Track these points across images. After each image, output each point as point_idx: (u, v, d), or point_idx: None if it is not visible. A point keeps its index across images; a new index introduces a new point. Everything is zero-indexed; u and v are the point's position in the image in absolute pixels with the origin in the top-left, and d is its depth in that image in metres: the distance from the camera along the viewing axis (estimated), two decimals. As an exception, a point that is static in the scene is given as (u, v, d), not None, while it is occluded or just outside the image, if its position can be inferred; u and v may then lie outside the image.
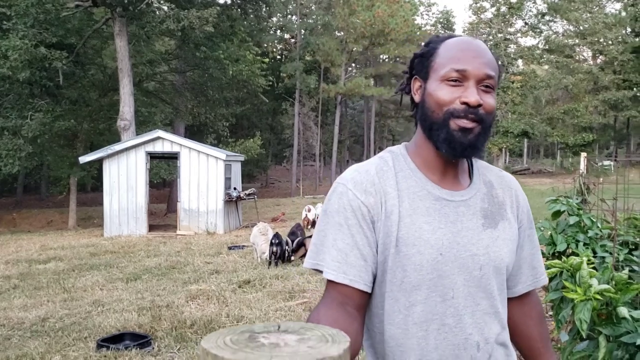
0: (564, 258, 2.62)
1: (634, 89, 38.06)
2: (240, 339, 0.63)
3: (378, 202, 1.19)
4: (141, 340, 5.13)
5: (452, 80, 1.16)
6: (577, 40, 41.55)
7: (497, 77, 1.21)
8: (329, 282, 1.17)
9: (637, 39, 39.15)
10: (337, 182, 1.24)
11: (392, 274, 1.18)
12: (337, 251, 1.16)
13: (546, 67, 44.10)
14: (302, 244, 9.07)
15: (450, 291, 1.18)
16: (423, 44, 1.29)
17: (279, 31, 41.88)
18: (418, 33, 40.16)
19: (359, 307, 1.16)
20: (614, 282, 2.47)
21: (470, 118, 1.15)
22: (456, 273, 1.18)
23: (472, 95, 1.14)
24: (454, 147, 1.17)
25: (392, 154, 1.28)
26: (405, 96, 1.38)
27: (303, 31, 37.40)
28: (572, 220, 3.40)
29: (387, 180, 1.22)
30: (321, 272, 1.18)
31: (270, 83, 29.17)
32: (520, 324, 1.37)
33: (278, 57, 42.83)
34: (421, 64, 1.24)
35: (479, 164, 1.32)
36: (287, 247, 8.97)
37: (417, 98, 1.26)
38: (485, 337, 1.20)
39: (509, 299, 1.33)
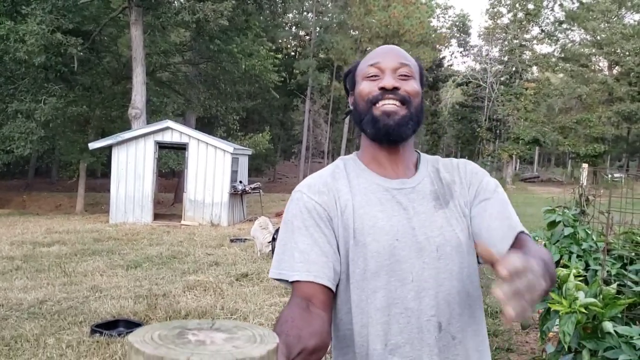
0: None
1: (649, 101, 37.66)
2: (169, 334, 0.63)
3: (332, 200, 1.26)
4: (135, 327, 5.15)
5: (371, 76, 1.27)
6: (593, 50, 41.18)
7: (416, 70, 1.31)
8: (295, 284, 1.18)
9: (654, 51, 38.75)
10: (293, 191, 1.32)
11: (354, 265, 1.22)
12: (299, 252, 1.20)
13: (561, 75, 43.77)
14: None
15: (409, 275, 1.20)
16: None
17: (293, 28, 41.87)
18: (433, 35, 40.02)
19: (324, 306, 1.17)
20: (601, 296, 2.45)
21: (390, 98, 1.24)
22: (414, 257, 1.21)
23: (386, 80, 1.24)
24: (378, 128, 1.25)
25: (344, 159, 1.38)
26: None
27: (318, 29, 37.37)
28: (567, 231, 3.38)
29: (339, 180, 1.30)
30: (286, 281, 1.21)
31: (283, 79, 29.12)
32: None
33: (292, 53, 42.81)
34: (350, 80, 1.36)
35: (426, 158, 1.38)
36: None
37: (352, 107, 1.35)
38: (447, 318, 1.21)
39: None
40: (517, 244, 1.16)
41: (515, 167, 50.58)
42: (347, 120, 39.26)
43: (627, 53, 38.44)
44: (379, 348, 1.21)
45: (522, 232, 1.20)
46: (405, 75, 1.26)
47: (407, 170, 1.32)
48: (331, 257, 1.21)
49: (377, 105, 1.25)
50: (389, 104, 1.24)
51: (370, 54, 1.32)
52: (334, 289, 1.21)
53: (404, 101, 1.25)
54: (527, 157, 49.20)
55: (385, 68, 1.26)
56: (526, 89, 40.90)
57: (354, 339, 1.24)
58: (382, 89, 1.24)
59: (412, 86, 1.27)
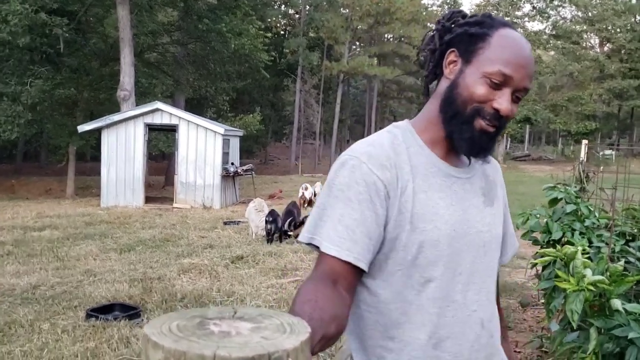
0: (558, 247, 2.56)
1: (640, 78, 37.70)
2: (188, 325, 0.57)
3: (394, 177, 1.15)
4: (131, 311, 5.12)
5: (493, 81, 1.14)
6: (584, 27, 41.10)
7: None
8: (326, 257, 1.09)
9: (645, 28, 38.73)
10: (347, 155, 1.17)
11: (405, 252, 1.15)
12: (344, 227, 1.10)
13: (552, 53, 43.71)
14: (302, 223, 9.00)
15: (459, 267, 1.18)
16: (470, 19, 1.22)
17: (283, 6, 41.41)
18: (424, 13, 39.77)
19: (350, 289, 1.10)
20: (608, 274, 2.41)
21: (494, 125, 1.16)
22: (465, 250, 1.19)
23: (505, 103, 1.14)
24: (472, 149, 1.19)
25: (400, 129, 1.24)
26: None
27: (308, 7, 36.97)
28: (569, 208, 3.33)
29: (400, 155, 1.18)
30: (316, 247, 1.11)
31: (273, 58, 28.82)
32: None
33: (281, 32, 42.40)
34: (467, 43, 1.18)
35: None
36: (282, 224, 8.92)
37: (447, 72, 1.20)
38: (488, 315, 1.23)
39: None
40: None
41: (506, 146, 50.63)
42: (338, 100, 39.09)
43: (619, 30, 38.43)
44: (423, 338, 1.16)
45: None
46: (518, 98, 1.18)
47: (463, 158, 1.27)
48: (374, 240, 1.12)
49: (479, 119, 1.15)
50: (490, 127, 1.16)
51: (508, 53, 1.15)
52: (367, 271, 1.14)
53: (501, 126, 1.17)
54: (518, 135, 49.26)
55: (511, 84, 1.14)
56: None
57: (385, 325, 1.18)
58: (496, 110, 1.14)
59: (516, 110, 1.19)
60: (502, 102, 1.13)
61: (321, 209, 1.14)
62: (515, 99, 1.16)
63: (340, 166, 1.16)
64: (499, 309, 1.39)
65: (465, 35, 1.18)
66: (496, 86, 1.13)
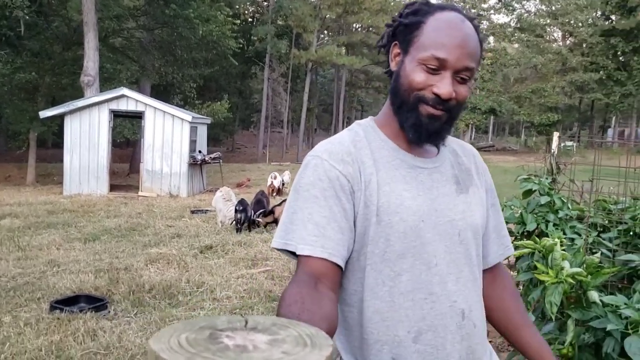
0: (535, 238, 2.57)
1: (601, 72, 38.63)
2: (198, 338, 0.51)
3: (356, 171, 1.16)
4: (97, 303, 4.99)
5: (430, 67, 1.13)
6: (548, 20, 41.84)
7: (477, 65, 1.19)
8: (303, 259, 1.08)
9: (606, 23, 39.64)
10: (310, 156, 1.19)
11: (373, 245, 1.14)
12: (314, 225, 1.09)
13: (517, 45, 44.37)
14: (272, 212, 8.92)
15: (433, 259, 1.16)
16: (409, 9, 1.21)
17: (251, -7, 40.87)
18: (392, 4, 39.79)
19: (333, 286, 1.09)
20: (584, 266, 2.43)
21: (440, 109, 1.14)
22: (437, 240, 1.17)
23: (445, 87, 1.12)
24: (419, 134, 1.17)
25: (362, 126, 1.26)
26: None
27: (276, -6, 36.57)
28: (543, 200, 3.36)
29: (361, 149, 1.19)
30: (291, 252, 1.10)
31: (241, 46, 28.47)
32: (496, 299, 1.36)
33: (249, 19, 41.90)
34: (404, 34, 1.19)
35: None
36: (251, 213, 8.82)
37: (392, 66, 1.22)
38: (469, 305, 1.19)
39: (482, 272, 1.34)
40: (496, 270, 1.38)
41: (471, 137, 51.32)
42: (306, 89, 38.86)
43: (581, 24, 39.21)
44: (402, 335, 1.14)
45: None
46: (464, 79, 1.15)
47: (430, 149, 1.26)
48: (346, 235, 1.11)
49: (424, 105, 1.14)
50: (436, 111, 1.14)
51: (441, 35, 1.13)
52: (343, 268, 1.13)
53: (449, 109, 1.15)
54: (482, 126, 49.99)
55: (449, 67, 1.12)
56: (483, 59, 41.19)
57: (362, 325, 1.16)
58: (437, 95, 1.13)
59: (464, 93, 1.16)
60: (441, 86, 1.12)
61: (291, 212, 1.14)
62: (461, 80, 1.15)
63: (304, 168, 1.18)
64: (517, 299, 1.38)
65: (401, 26, 1.20)
66: (434, 71, 1.13)
